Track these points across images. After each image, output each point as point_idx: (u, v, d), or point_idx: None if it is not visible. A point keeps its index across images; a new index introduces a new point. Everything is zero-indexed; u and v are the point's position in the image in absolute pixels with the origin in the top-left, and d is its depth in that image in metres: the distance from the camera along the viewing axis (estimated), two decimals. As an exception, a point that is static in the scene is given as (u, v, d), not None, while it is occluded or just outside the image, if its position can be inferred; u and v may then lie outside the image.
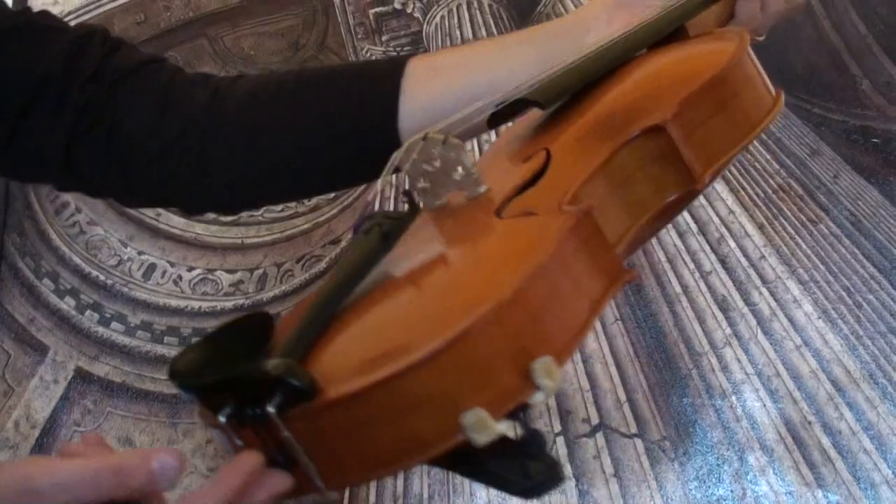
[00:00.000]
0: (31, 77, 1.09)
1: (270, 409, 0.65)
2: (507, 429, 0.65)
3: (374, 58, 2.14)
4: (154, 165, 1.10)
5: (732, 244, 1.92)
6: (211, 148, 1.09)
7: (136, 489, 0.68)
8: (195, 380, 0.67)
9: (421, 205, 0.84)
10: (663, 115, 0.82)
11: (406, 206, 0.83)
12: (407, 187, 0.85)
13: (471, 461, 0.68)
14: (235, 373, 0.66)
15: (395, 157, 0.84)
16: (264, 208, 2.08)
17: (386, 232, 0.78)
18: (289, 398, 0.65)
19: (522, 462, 0.68)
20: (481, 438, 0.64)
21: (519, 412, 0.67)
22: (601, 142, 0.82)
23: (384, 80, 1.08)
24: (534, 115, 0.94)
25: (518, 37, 1.14)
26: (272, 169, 1.11)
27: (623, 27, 0.99)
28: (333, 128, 1.07)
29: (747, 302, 1.89)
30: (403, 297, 0.74)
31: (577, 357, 1.92)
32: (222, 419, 0.67)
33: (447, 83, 1.06)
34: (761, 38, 1.10)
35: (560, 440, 1.90)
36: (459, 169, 0.83)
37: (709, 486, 1.85)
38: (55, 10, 1.82)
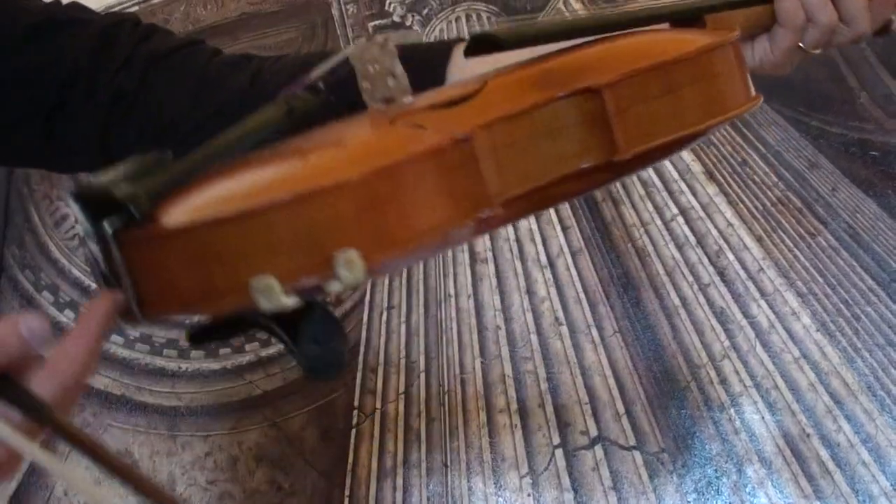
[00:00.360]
0: (62, 70, 1.09)
1: (106, 227, 0.70)
2: (295, 304, 0.68)
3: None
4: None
5: (731, 257, 1.93)
6: None
7: (14, 357, 0.70)
8: (73, 194, 0.73)
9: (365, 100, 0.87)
10: (599, 80, 0.83)
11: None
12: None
13: (265, 325, 0.73)
14: (91, 191, 0.71)
15: (346, 51, 0.85)
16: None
17: (291, 108, 0.81)
18: (126, 222, 0.70)
19: (308, 342, 0.72)
20: (265, 304, 0.68)
21: (315, 295, 0.71)
22: (538, 91, 0.83)
23: (429, 68, 1.07)
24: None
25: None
26: None
27: None
28: None
29: (746, 314, 1.89)
30: (284, 163, 0.77)
31: (576, 369, 1.92)
32: (80, 231, 0.72)
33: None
34: (817, 52, 1.10)
35: (559, 452, 1.90)
36: (392, 76, 0.85)
37: (707, 499, 1.85)
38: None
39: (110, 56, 1.10)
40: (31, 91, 1.09)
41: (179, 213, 0.71)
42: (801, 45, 1.09)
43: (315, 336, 0.71)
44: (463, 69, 1.06)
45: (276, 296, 0.68)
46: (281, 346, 0.74)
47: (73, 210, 0.73)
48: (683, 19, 0.99)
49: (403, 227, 0.72)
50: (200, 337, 0.76)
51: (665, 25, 0.98)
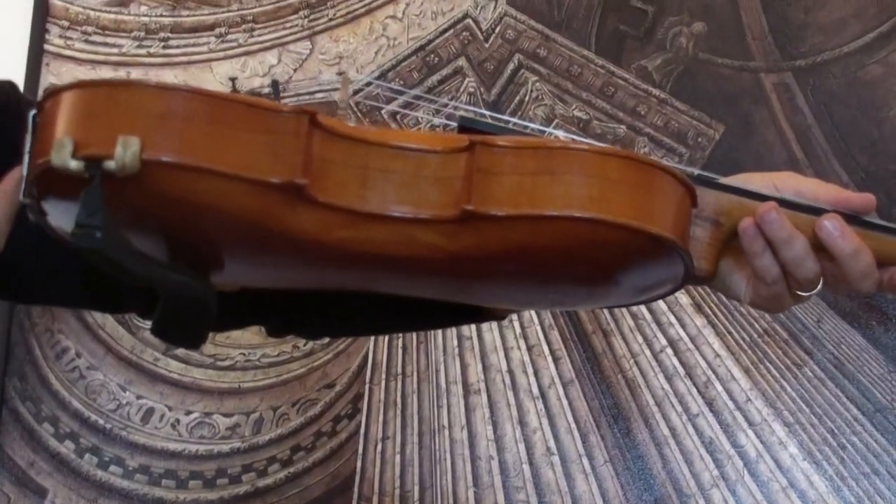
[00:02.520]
0: None
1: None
2: (77, 168, 0.78)
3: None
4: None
5: (719, 387, 1.93)
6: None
7: None
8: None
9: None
10: (475, 140, 0.85)
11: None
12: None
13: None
14: None
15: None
16: (261, 353, 2.10)
17: None
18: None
19: (80, 210, 0.79)
20: (54, 159, 0.79)
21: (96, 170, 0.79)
22: (440, 142, 0.86)
23: None
24: None
25: None
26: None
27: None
28: None
29: (734, 444, 1.90)
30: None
31: (567, 499, 1.92)
32: None
33: None
34: (804, 295, 1.03)
35: (551, 582, 1.90)
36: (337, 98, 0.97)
37: None
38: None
39: None
40: None
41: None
42: (798, 292, 1.04)
43: (84, 203, 0.79)
44: None
45: (63, 155, 0.78)
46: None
47: None
48: None
49: (207, 149, 0.79)
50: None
51: None
